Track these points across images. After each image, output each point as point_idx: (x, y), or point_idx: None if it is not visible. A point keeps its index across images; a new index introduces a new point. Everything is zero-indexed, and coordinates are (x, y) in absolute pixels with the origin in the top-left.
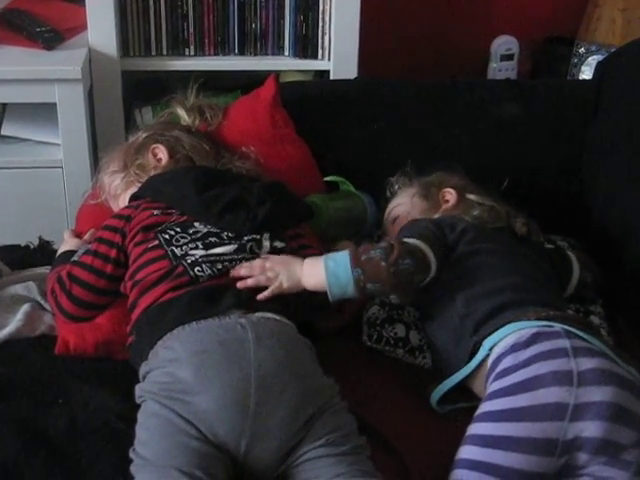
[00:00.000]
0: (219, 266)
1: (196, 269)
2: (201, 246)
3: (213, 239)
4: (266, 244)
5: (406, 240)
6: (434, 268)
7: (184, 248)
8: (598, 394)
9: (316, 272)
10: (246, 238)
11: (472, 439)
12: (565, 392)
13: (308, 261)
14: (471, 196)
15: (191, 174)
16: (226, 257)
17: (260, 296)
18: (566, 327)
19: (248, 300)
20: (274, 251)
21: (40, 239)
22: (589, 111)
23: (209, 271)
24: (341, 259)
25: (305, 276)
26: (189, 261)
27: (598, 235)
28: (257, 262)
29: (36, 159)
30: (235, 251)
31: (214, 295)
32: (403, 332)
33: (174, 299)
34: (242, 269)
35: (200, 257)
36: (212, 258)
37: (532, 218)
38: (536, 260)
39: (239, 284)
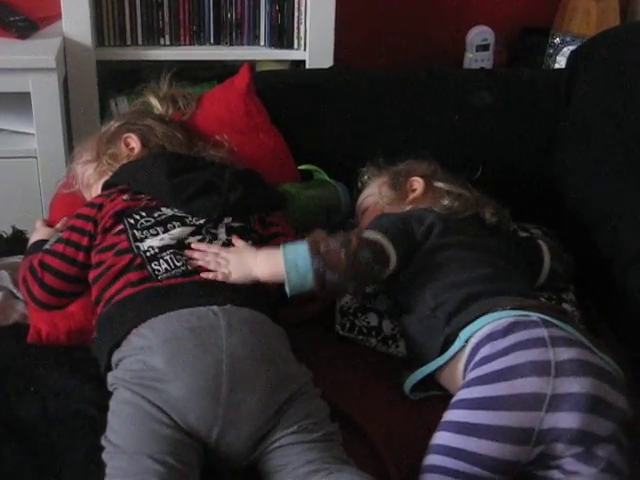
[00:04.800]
0: (178, 263)
1: (153, 264)
2: (161, 231)
3: (176, 223)
4: (222, 224)
5: (366, 233)
6: (394, 262)
7: (144, 232)
8: (575, 385)
9: (273, 262)
10: (203, 220)
11: (447, 425)
12: (543, 382)
13: (264, 252)
14: (439, 184)
15: (162, 159)
16: (183, 244)
17: (203, 274)
18: (543, 316)
19: (208, 298)
20: (230, 230)
21: (13, 228)
22: (562, 100)
23: (165, 265)
24: (300, 249)
25: (259, 267)
26: (148, 255)
27: (571, 222)
28: (213, 247)
29: (10, 149)
30: (192, 233)
31: (170, 295)
32: (376, 321)
33: (131, 297)
34: (196, 252)
35: (157, 248)
36: (170, 250)
37: (505, 206)
38: (506, 251)
39: (191, 262)
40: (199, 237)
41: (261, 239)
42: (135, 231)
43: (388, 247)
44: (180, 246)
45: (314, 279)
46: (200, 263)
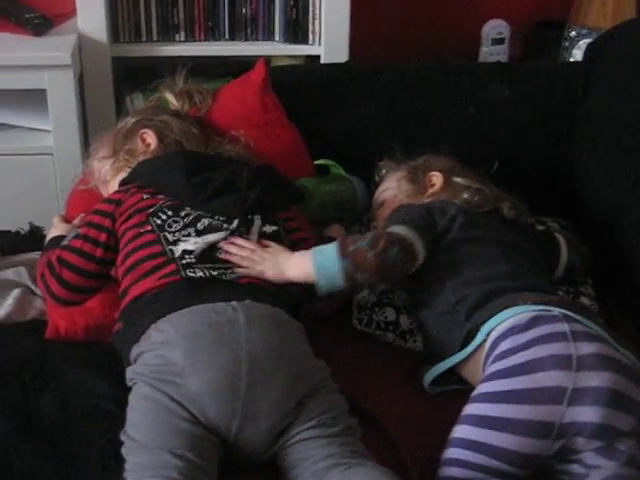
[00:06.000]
0: (214, 272)
1: (188, 271)
2: (193, 233)
3: (206, 221)
4: (255, 228)
5: (393, 229)
6: (421, 257)
7: (177, 234)
8: (596, 379)
9: (303, 265)
10: (236, 222)
11: (468, 419)
12: (564, 376)
13: (297, 253)
14: (458, 179)
15: (180, 159)
16: (220, 254)
17: (237, 269)
18: (564, 311)
19: (234, 293)
20: (263, 235)
21: (31, 225)
22: (578, 93)
23: (200, 273)
24: (329, 251)
25: (292, 268)
26: (184, 262)
27: (588, 215)
28: (250, 244)
29: (27, 146)
30: (226, 238)
31: (190, 290)
32: (393, 316)
33: (160, 292)
34: (233, 247)
35: (194, 257)
36: (208, 264)
37: (522, 200)
38: (524, 245)
39: (224, 255)
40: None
41: (281, 234)
42: (166, 233)
43: (416, 243)
44: (214, 254)
45: (344, 280)
46: (235, 259)
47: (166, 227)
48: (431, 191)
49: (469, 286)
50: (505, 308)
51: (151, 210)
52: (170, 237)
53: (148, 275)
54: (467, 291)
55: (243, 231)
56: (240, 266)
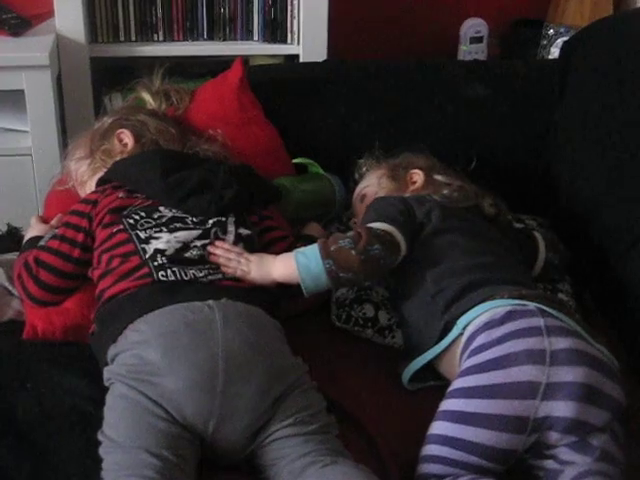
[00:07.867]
0: (186, 276)
1: (160, 273)
2: (165, 230)
3: (178, 224)
4: (231, 229)
5: (373, 225)
6: (404, 248)
7: (148, 232)
8: (570, 374)
9: (288, 266)
10: (211, 222)
11: (444, 415)
12: (538, 371)
13: (280, 256)
14: (438, 177)
15: (156, 157)
16: (193, 253)
17: (223, 268)
18: (540, 306)
19: (204, 293)
20: (239, 238)
21: (8, 225)
22: (555, 90)
23: (173, 277)
24: (311, 252)
25: (277, 269)
26: (155, 264)
27: (565, 212)
28: (236, 248)
29: (5, 147)
30: (199, 237)
31: (167, 290)
32: (372, 312)
33: (133, 293)
34: (219, 249)
35: (165, 258)
36: (178, 265)
37: (500, 197)
38: (504, 241)
39: (211, 257)
40: (206, 241)
41: (257, 234)
42: (138, 232)
43: (397, 235)
44: (186, 253)
45: (328, 280)
46: (221, 261)
47: (138, 226)
48: (412, 188)
49: (448, 277)
50: (482, 301)
51: (125, 212)
52: (142, 235)
53: (122, 279)
54: (446, 282)
55: (219, 231)
56: (225, 267)
